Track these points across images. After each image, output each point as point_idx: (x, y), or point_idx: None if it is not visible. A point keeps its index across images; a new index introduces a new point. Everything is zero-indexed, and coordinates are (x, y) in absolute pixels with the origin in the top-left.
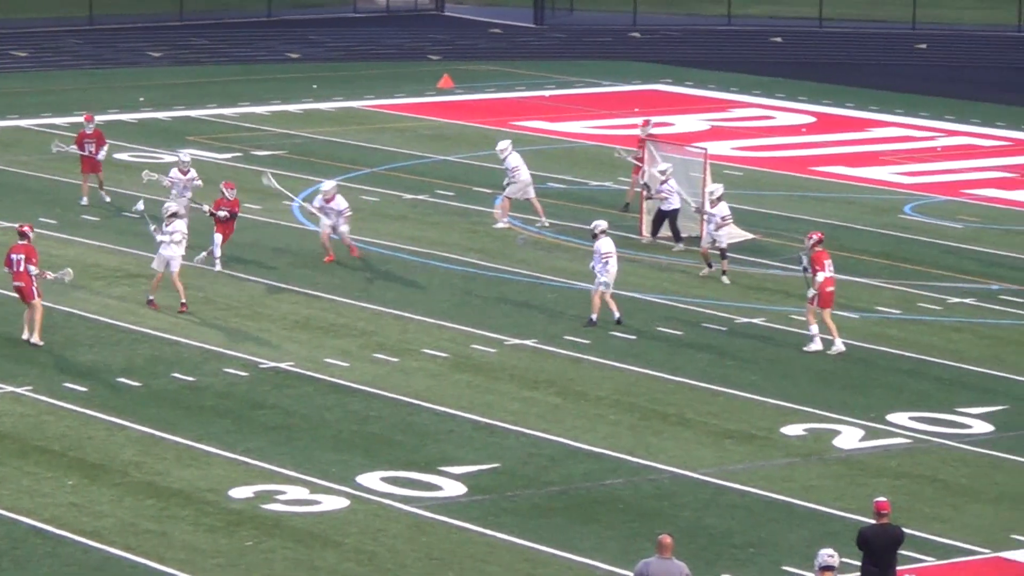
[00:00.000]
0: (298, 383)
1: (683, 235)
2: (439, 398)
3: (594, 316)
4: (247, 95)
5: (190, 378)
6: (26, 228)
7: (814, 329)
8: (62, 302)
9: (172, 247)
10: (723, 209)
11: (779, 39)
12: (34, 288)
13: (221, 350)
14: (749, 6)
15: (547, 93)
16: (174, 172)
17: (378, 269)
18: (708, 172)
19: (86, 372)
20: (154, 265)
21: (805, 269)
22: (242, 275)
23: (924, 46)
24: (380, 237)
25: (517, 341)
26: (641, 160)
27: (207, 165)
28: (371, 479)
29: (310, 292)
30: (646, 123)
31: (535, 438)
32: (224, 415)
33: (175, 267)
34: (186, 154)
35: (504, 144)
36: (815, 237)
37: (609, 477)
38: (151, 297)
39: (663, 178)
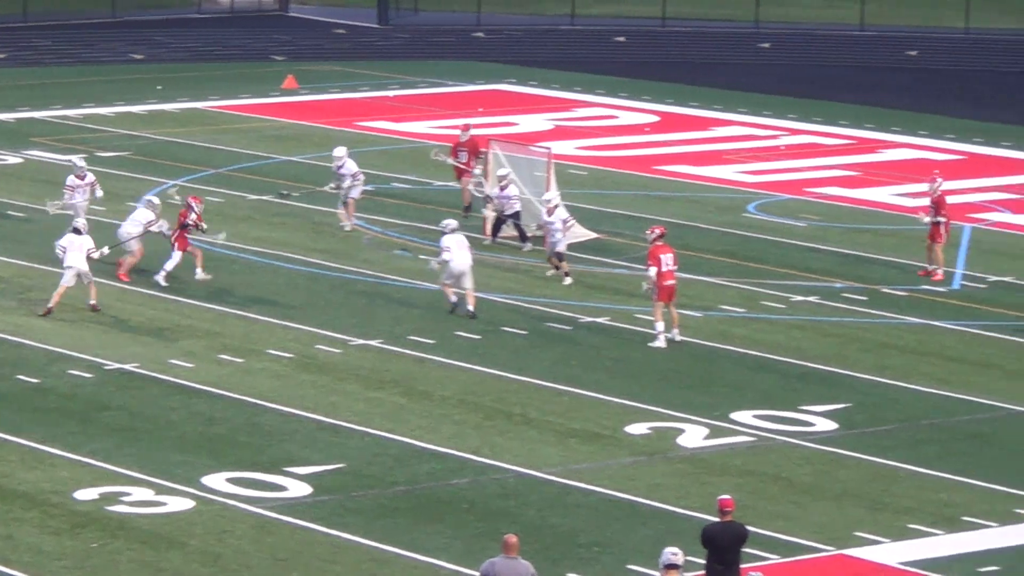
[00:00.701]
0: (143, 384)
1: (529, 235)
2: (284, 399)
3: (453, 299)
4: (91, 96)
5: (35, 380)
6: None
7: (660, 327)
8: None
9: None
10: (561, 214)
11: (622, 39)
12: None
13: (66, 352)
14: (592, 6)
15: (391, 93)
16: (71, 179)
17: (223, 270)
18: (552, 172)
19: None
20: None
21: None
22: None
23: (767, 45)
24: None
25: (362, 341)
26: (468, 164)
27: (52, 167)
28: (216, 480)
29: (154, 293)
30: (466, 128)
31: (380, 438)
32: (69, 417)
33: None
34: (80, 159)
35: (341, 151)
36: (656, 231)
37: (454, 477)
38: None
39: (502, 183)
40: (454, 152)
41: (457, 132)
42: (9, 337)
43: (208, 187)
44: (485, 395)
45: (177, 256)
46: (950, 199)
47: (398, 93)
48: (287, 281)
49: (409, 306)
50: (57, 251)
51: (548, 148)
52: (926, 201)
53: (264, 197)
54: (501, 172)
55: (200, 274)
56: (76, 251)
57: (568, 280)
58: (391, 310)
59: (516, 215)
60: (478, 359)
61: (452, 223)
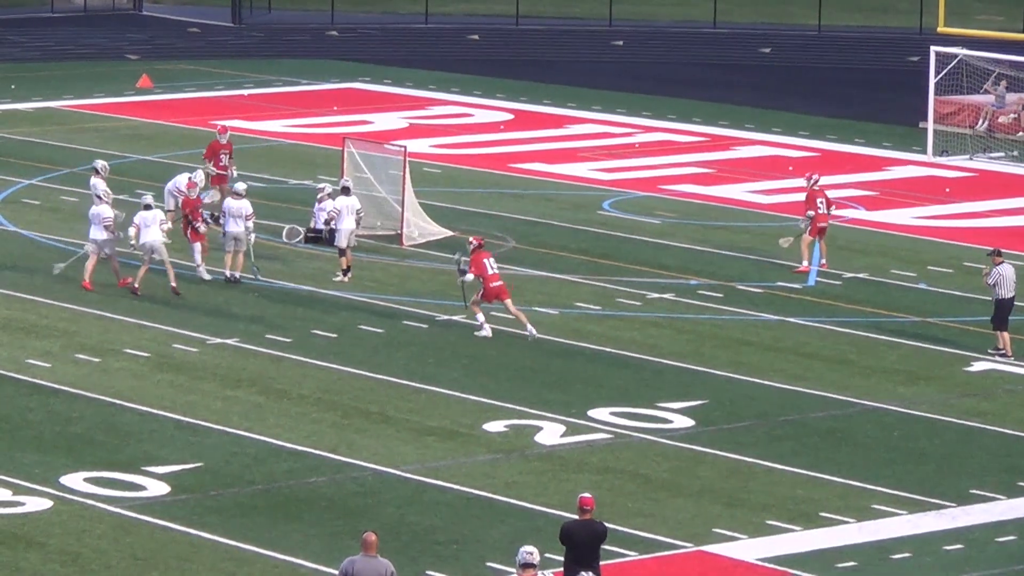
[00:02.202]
0: None
1: (379, 233)
2: (142, 398)
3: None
4: None
5: None
6: None
7: (481, 317)
8: None
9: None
10: (329, 205)
11: (476, 37)
12: None
13: None
14: (446, 4)
15: (246, 92)
16: (94, 180)
17: (79, 269)
18: (407, 170)
19: None
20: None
21: (462, 271)
22: None
23: (620, 43)
24: (81, 237)
25: (219, 340)
26: (227, 168)
27: None
28: (74, 479)
29: (10, 293)
30: (224, 130)
31: (238, 437)
32: None
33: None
34: (100, 163)
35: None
36: (475, 242)
37: (312, 475)
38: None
39: (319, 196)
40: (215, 157)
41: (216, 136)
42: None
43: (64, 187)
44: (342, 393)
45: (197, 247)
46: (801, 196)
47: (253, 92)
48: (145, 280)
49: (265, 305)
50: (130, 231)
51: (403, 147)
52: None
53: (120, 197)
54: (321, 189)
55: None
56: (153, 225)
57: (343, 278)
58: (247, 308)
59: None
60: (335, 358)
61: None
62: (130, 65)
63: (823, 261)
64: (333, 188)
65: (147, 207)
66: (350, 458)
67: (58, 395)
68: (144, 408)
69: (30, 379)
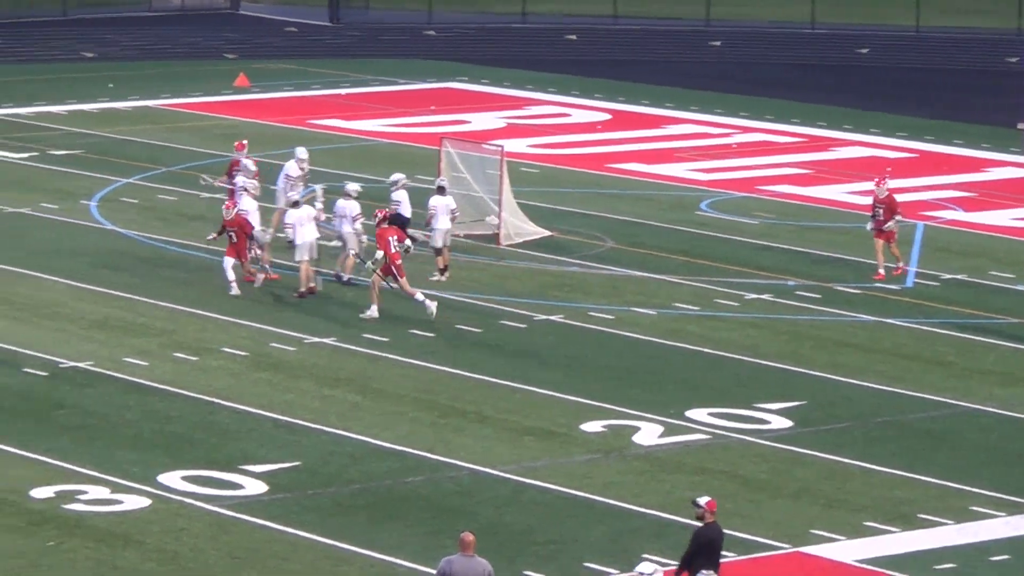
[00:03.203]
0: (98, 382)
1: (475, 232)
2: (239, 396)
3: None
4: (43, 95)
5: None
6: None
7: (375, 298)
8: None
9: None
10: (403, 197)
11: (573, 36)
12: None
13: (19, 350)
14: (543, 4)
15: (343, 91)
16: (291, 166)
17: (179, 267)
18: (505, 170)
19: None
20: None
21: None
22: (40, 274)
23: (718, 43)
24: (178, 236)
25: (316, 339)
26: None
27: (3, 165)
28: (172, 478)
29: (108, 291)
30: (241, 146)
31: (335, 436)
32: (23, 415)
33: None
34: (303, 151)
35: (398, 176)
36: (380, 215)
37: (410, 475)
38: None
39: (393, 187)
40: (230, 174)
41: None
42: None
43: (161, 185)
44: (440, 393)
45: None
46: (902, 197)
47: (350, 91)
48: (241, 279)
49: (363, 304)
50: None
51: (500, 146)
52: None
53: (218, 197)
54: (393, 178)
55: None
56: (309, 223)
57: (439, 277)
58: (344, 308)
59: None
60: (432, 357)
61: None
62: (227, 64)
63: (899, 266)
64: (406, 178)
65: (295, 204)
66: (447, 457)
67: (156, 394)
68: (242, 407)
69: (128, 378)
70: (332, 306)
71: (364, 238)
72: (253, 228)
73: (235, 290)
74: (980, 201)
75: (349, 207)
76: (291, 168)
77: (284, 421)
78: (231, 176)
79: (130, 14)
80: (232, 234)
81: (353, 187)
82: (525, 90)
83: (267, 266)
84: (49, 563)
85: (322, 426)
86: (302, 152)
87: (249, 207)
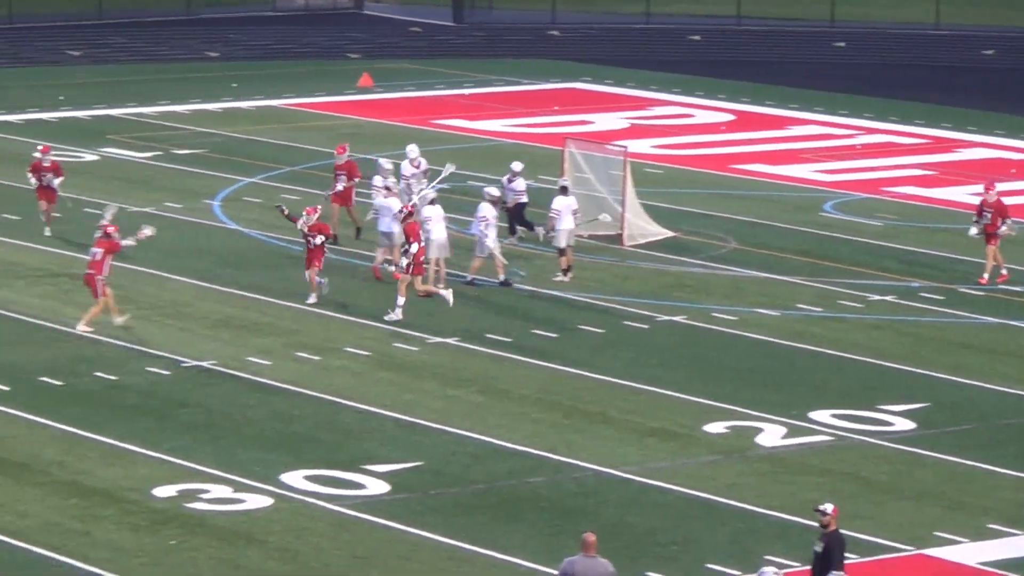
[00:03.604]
0: (221, 381)
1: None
2: (362, 396)
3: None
4: (167, 94)
5: (112, 377)
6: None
7: (402, 300)
8: None
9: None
10: (520, 184)
11: (697, 37)
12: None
13: (143, 349)
14: (667, 4)
15: (466, 91)
16: (405, 166)
17: (300, 268)
18: (628, 170)
19: (8, 371)
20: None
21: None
22: (164, 273)
23: (842, 44)
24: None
25: (439, 340)
26: (347, 192)
27: (128, 164)
28: (295, 478)
29: (232, 291)
30: (343, 149)
31: (458, 436)
32: (147, 414)
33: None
34: (414, 149)
35: (518, 166)
36: (406, 210)
37: (532, 475)
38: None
39: (511, 176)
40: (336, 178)
41: (336, 155)
42: (86, 334)
43: (285, 185)
44: (562, 394)
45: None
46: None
47: (473, 91)
48: (366, 278)
49: (485, 304)
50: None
51: (624, 147)
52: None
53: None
54: (514, 166)
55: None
56: (439, 222)
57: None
58: (467, 308)
59: (521, 207)
60: (555, 357)
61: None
62: (351, 64)
63: (1002, 272)
64: (523, 168)
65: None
66: (570, 458)
67: (279, 393)
68: (364, 407)
69: (251, 377)
70: (454, 307)
71: (497, 241)
72: (330, 234)
73: (313, 299)
74: None
75: (486, 210)
76: (405, 168)
77: (407, 421)
78: (336, 178)
79: (253, 13)
80: (310, 239)
81: (494, 192)
82: (649, 91)
83: (393, 266)
84: (172, 562)
85: (445, 426)
86: (412, 150)
87: (392, 205)
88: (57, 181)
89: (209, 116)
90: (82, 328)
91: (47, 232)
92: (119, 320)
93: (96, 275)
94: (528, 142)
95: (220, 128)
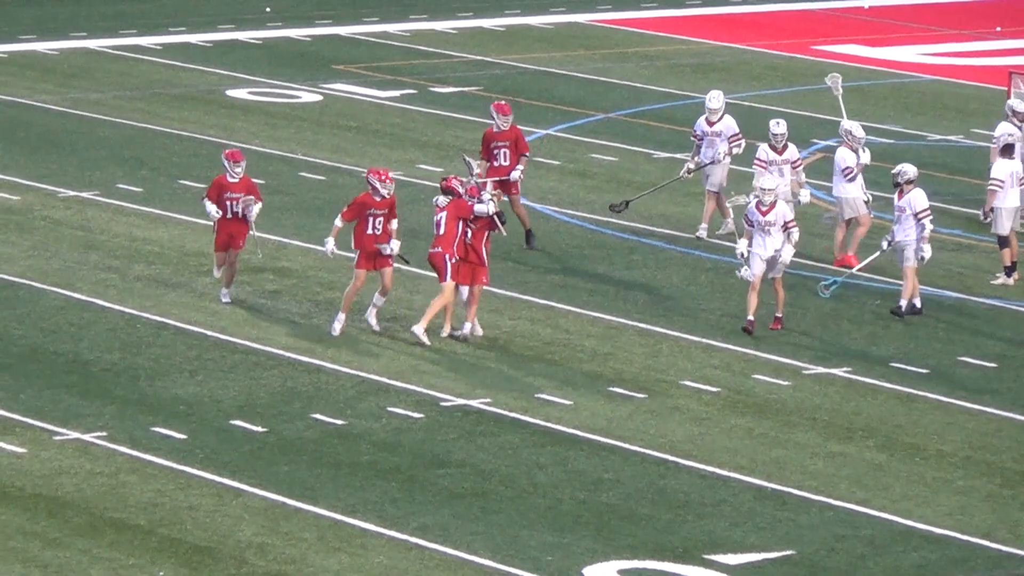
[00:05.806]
0: (498, 430)
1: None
2: (705, 453)
3: (903, 301)
4: (422, 4)
5: (338, 421)
6: None
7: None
8: (149, 308)
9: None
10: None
11: None
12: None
13: (383, 380)
14: None
15: (866, 3)
16: (700, 123)
17: (614, 262)
18: None
19: (185, 411)
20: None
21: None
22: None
23: None
24: (612, 215)
25: (821, 369)
26: (510, 167)
27: (365, 106)
28: (605, 572)
29: (510, 293)
30: (505, 109)
31: (846, 512)
32: (388, 476)
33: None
34: (718, 98)
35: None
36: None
37: (957, 570)
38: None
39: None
40: (487, 152)
41: (492, 121)
42: (301, 357)
43: (592, 139)
44: (1003, 451)
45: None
46: None
47: (875, 3)
48: (709, 279)
49: (887, 319)
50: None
51: None
52: None
53: (677, 156)
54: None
55: None
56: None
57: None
58: (861, 325)
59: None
60: (991, 397)
61: (908, 171)
62: None
63: None
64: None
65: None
66: (1015, 548)
67: (582, 446)
68: (708, 468)
69: (542, 423)
70: (844, 322)
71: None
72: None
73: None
74: None
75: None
76: (761, 153)
77: (771, 490)
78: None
79: None
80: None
81: (910, 170)
82: None
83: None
84: None
85: (826, 497)
86: (776, 125)
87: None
88: (255, 209)
89: (484, 37)
90: (418, 330)
91: (225, 298)
92: (463, 330)
93: (445, 253)
94: (955, 79)
95: (500, 55)
